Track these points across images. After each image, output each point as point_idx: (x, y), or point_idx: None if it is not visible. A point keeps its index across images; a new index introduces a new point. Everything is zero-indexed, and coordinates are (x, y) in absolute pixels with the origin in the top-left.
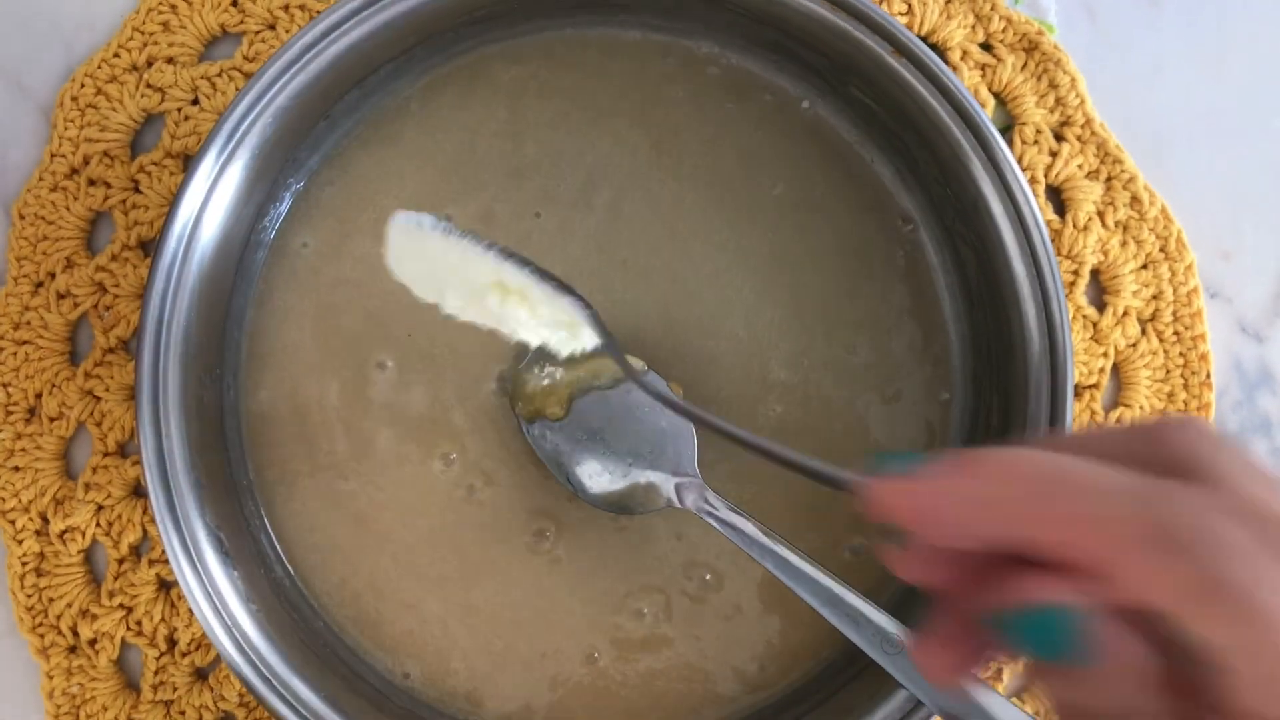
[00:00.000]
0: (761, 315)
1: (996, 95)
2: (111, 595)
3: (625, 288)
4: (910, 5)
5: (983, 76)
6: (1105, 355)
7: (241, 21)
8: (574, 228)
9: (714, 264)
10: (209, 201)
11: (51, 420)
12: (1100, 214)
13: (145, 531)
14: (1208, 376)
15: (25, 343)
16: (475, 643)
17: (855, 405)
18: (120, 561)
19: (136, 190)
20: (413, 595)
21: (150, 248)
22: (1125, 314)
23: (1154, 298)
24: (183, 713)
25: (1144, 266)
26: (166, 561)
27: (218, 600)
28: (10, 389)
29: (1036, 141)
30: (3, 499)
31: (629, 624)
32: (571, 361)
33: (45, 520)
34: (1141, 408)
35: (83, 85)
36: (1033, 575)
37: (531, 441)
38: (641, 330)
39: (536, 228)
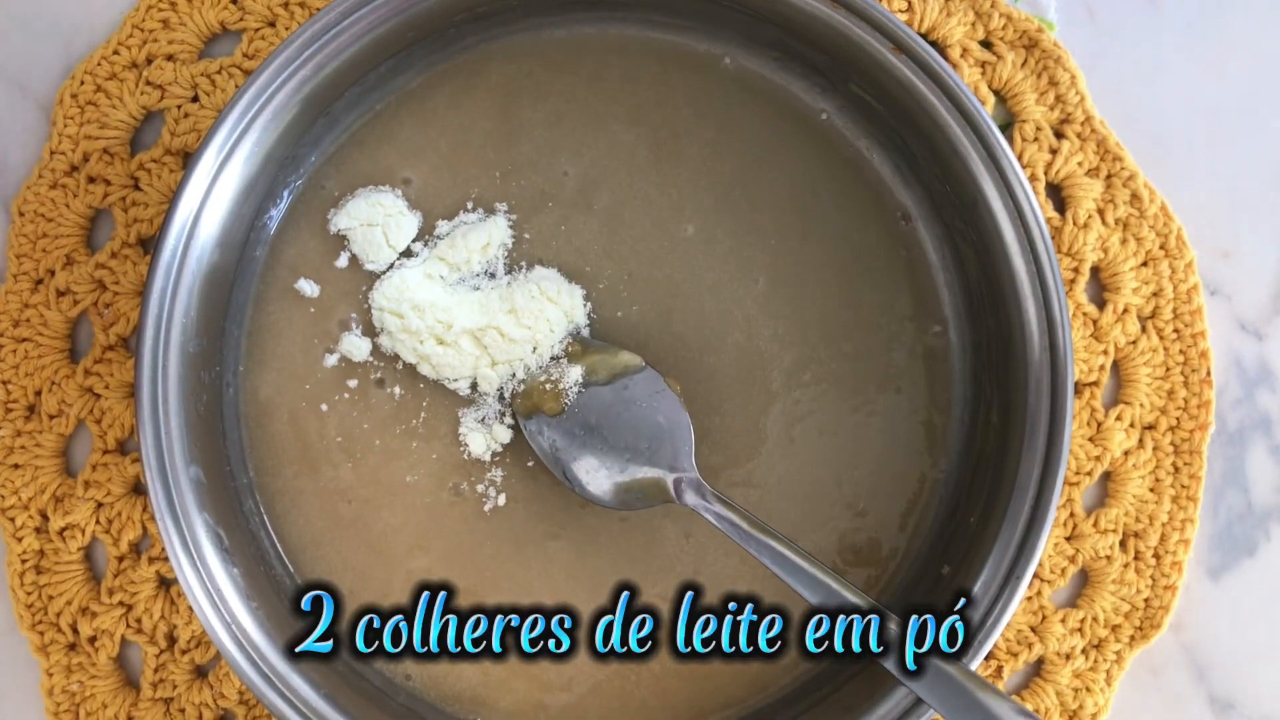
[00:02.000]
0: (764, 328)
1: (996, 92)
2: (111, 593)
3: (632, 300)
4: (910, 2)
5: (983, 74)
6: (1105, 352)
7: (241, 19)
8: (575, 230)
9: (716, 275)
10: (209, 199)
11: (51, 418)
12: (1100, 211)
13: (145, 529)
14: (1207, 374)
15: (25, 340)
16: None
17: (857, 414)
18: (120, 559)
19: (136, 187)
20: None
21: (150, 245)
22: (1125, 311)
23: (1154, 295)
24: (182, 710)
25: (1144, 264)
26: (166, 559)
27: (217, 598)
28: (10, 386)
29: (1036, 139)
30: (2, 496)
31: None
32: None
33: (45, 517)
34: (1142, 405)
35: (82, 83)
36: None
37: (528, 437)
38: (645, 343)
39: (536, 227)
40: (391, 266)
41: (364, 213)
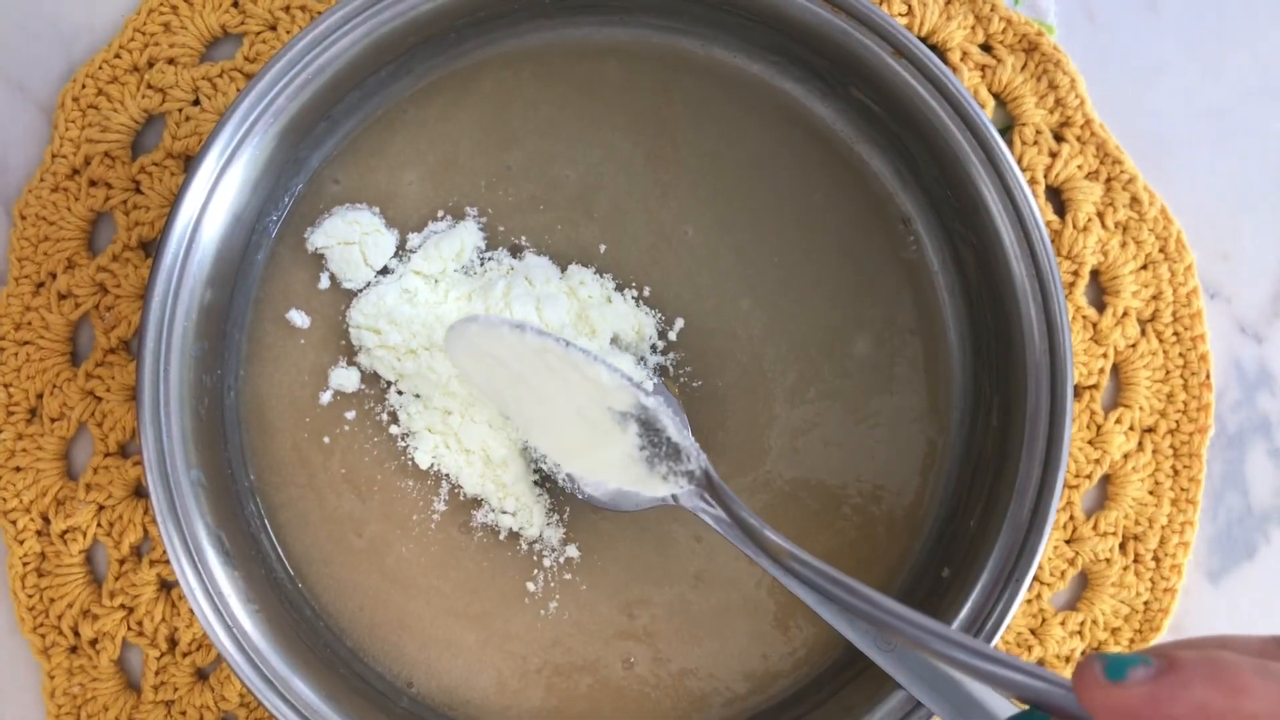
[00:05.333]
0: (767, 349)
1: (996, 96)
2: (112, 595)
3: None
4: (910, 6)
5: (982, 77)
6: (1105, 356)
7: (242, 22)
8: (578, 245)
9: (719, 294)
10: (210, 202)
11: (53, 420)
12: (1100, 214)
13: (146, 531)
14: (1207, 377)
15: (26, 343)
16: (512, 665)
17: (860, 426)
18: (121, 562)
19: (137, 191)
20: (448, 630)
21: (151, 248)
22: (1125, 314)
23: (1153, 298)
24: (184, 713)
25: (1144, 267)
26: (167, 562)
27: (219, 600)
28: (11, 389)
29: (1036, 142)
30: (4, 499)
31: (662, 626)
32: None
33: (46, 520)
34: (1141, 408)
35: (84, 86)
36: None
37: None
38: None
39: (535, 239)
40: (369, 285)
41: (341, 231)
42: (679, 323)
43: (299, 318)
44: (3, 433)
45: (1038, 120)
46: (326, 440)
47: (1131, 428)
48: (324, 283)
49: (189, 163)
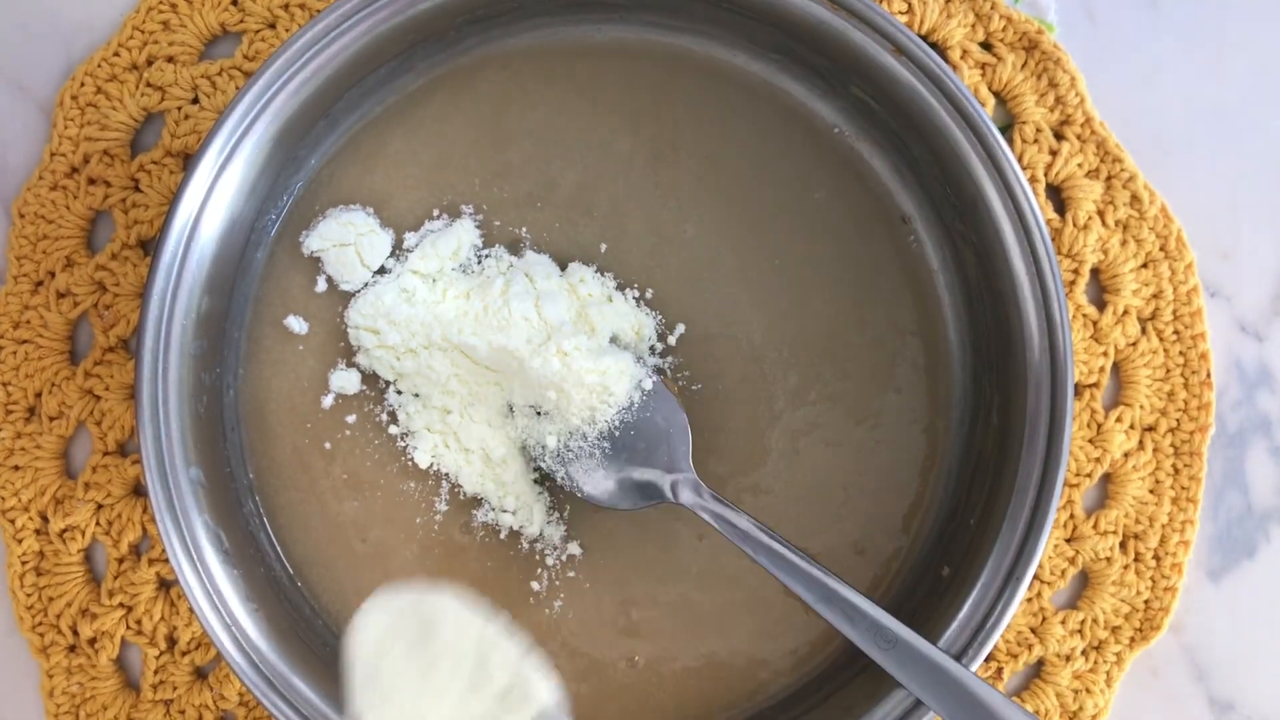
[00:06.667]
0: (769, 352)
1: (996, 94)
2: (111, 594)
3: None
4: (910, 4)
5: (983, 75)
6: (1105, 354)
7: (242, 20)
8: (578, 244)
9: (720, 297)
10: (209, 200)
11: (51, 419)
12: (1100, 213)
13: (145, 530)
14: (1208, 375)
15: (25, 342)
16: None
17: (861, 426)
18: (120, 560)
19: (136, 189)
20: None
21: (150, 247)
22: (1125, 313)
23: (1154, 297)
24: (183, 712)
25: (1144, 265)
26: (166, 560)
27: (217, 599)
28: (10, 388)
29: (1036, 140)
30: (2, 498)
31: (665, 625)
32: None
33: (45, 519)
34: (1142, 406)
35: (83, 84)
36: None
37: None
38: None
39: (534, 236)
40: (366, 285)
41: (335, 233)
42: (680, 328)
43: (297, 323)
44: (1, 431)
45: (1038, 118)
46: (328, 445)
47: (1132, 426)
48: (321, 285)
49: (188, 161)
